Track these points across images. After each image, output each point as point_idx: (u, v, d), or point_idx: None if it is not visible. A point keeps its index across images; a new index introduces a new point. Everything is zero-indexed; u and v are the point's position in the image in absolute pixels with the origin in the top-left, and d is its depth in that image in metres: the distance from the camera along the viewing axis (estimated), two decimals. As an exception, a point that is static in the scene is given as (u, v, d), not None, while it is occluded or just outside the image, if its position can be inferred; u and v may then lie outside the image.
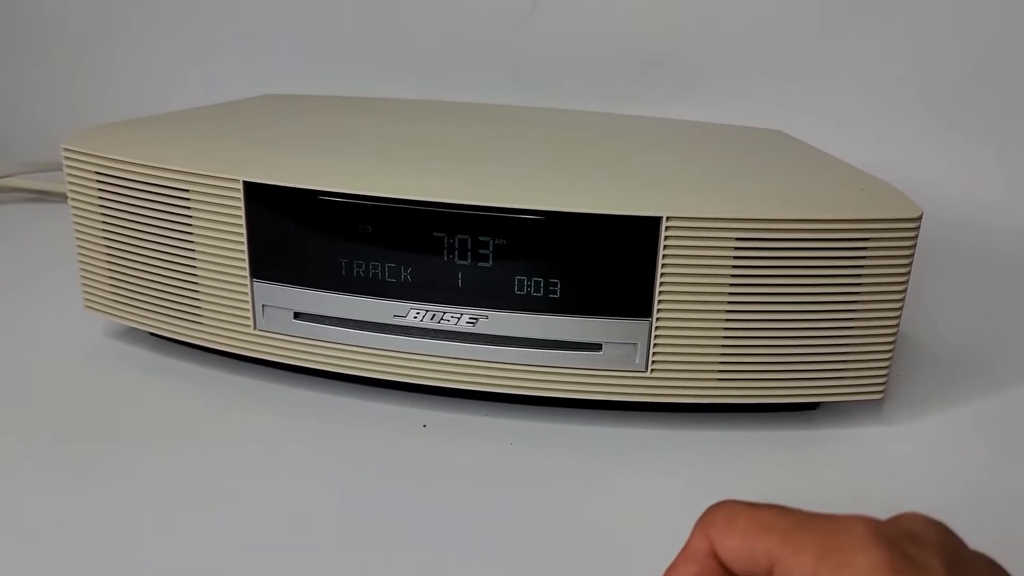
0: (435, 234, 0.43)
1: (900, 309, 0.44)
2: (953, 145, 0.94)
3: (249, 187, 0.44)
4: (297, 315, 0.46)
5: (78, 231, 0.50)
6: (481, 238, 0.43)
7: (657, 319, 0.43)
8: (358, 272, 0.44)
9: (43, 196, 0.84)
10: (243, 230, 0.45)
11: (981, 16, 0.92)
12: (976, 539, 0.39)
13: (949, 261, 0.78)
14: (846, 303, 0.43)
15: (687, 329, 0.43)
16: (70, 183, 0.49)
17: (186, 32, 1.10)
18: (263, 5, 1.07)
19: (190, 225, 0.46)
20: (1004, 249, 0.81)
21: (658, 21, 0.98)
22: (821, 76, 0.96)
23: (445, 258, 0.43)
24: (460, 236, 0.43)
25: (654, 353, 0.44)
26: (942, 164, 0.93)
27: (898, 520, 0.22)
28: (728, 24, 0.97)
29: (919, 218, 0.43)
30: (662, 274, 0.42)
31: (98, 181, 0.48)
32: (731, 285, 0.42)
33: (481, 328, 0.44)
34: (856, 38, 0.95)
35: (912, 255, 0.43)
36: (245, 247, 0.45)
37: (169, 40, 1.10)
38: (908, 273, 0.43)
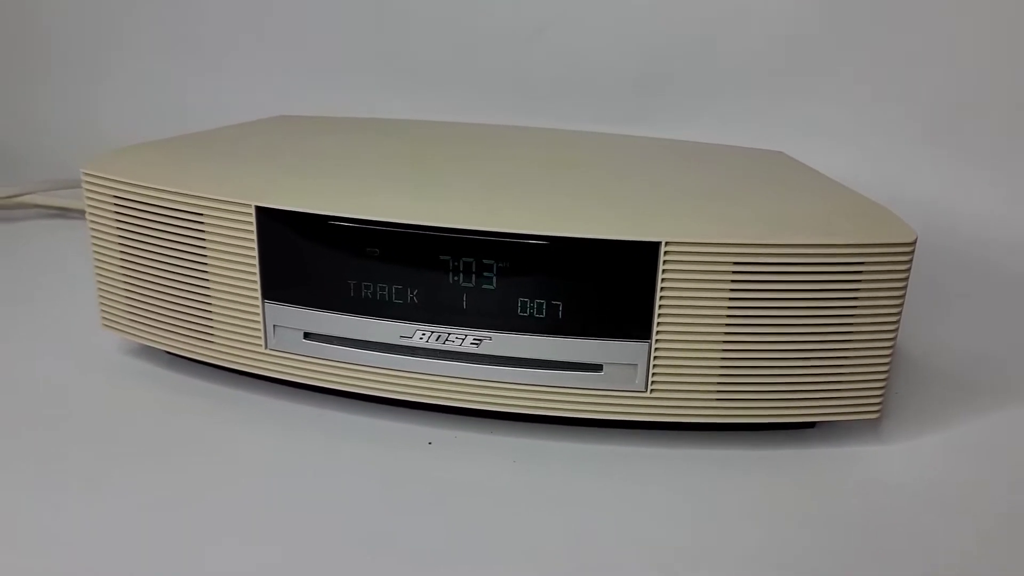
0: (441, 257, 0.44)
1: (895, 330, 0.45)
2: (955, 162, 0.94)
3: (261, 211, 0.45)
4: (307, 335, 0.47)
5: (96, 251, 0.51)
6: (485, 261, 0.44)
7: (656, 341, 0.44)
8: (366, 294, 0.46)
9: (63, 212, 0.86)
10: (255, 253, 0.46)
11: (983, 35, 0.92)
12: (973, 561, 0.40)
13: (953, 278, 0.78)
14: (842, 325, 0.44)
15: (686, 350, 0.44)
16: (89, 205, 0.51)
17: (205, 52, 1.12)
18: (282, 25, 1.09)
19: (204, 247, 0.47)
20: (1008, 266, 0.82)
21: (664, 40, 1.00)
22: (824, 96, 0.97)
23: (450, 280, 0.44)
24: (465, 259, 0.44)
25: (654, 374, 0.45)
26: (944, 181, 0.94)
27: None
28: (733, 44, 0.98)
29: (914, 242, 0.43)
30: (661, 297, 0.43)
31: (116, 204, 0.50)
32: (729, 307, 0.43)
33: (485, 349, 0.45)
34: (860, 58, 0.96)
35: (907, 278, 0.44)
36: (257, 269, 0.46)
37: (188, 60, 1.13)
38: (903, 295, 0.44)
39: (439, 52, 1.05)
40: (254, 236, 0.46)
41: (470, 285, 0.44)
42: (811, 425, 0.49)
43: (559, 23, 1.01)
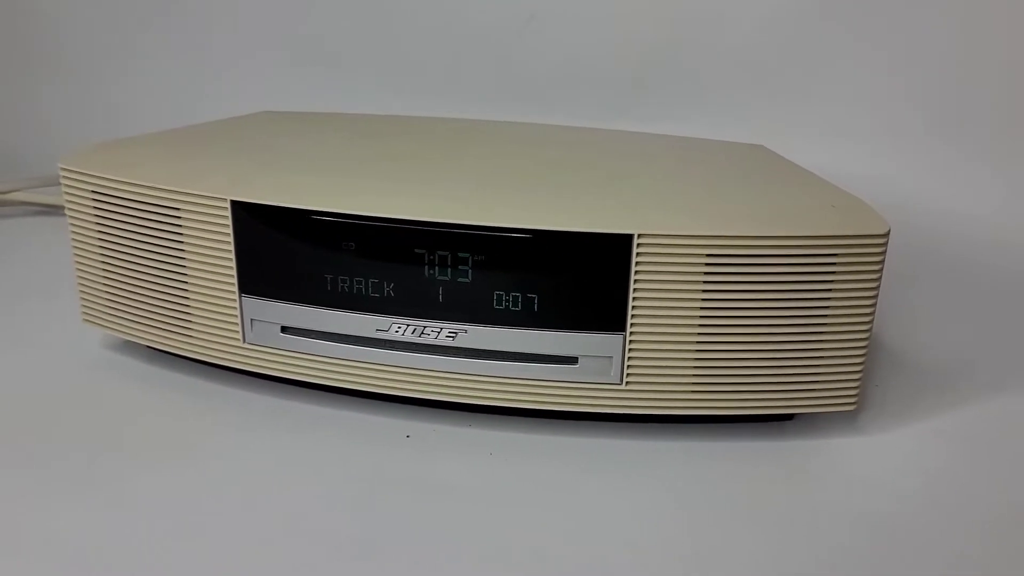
0: (416, 251, 0.44)
1: (870, 322, 0.45)
2: (946, 157, 0.95)
3: (236, 206, 0.45)
4: (284, 329, 0.47)
5: (76, 246, 0.52)
6: (460, 254, 0.44)
7: (631, 333, 0.44)
8: (342, 287, 0.46)
9: (50, 209, 0.86)
10: (231, 247, 0.46)
11: (977, 29, 0.92)
12: (954, 552, 0.40)
13: (938, 272, 0.78)
14: (816, 316, 0.44)
15: (661, 342, 0.44)
16: (68, 200, 0.51)
17: (194, 48, 1.12)
18: (270, 22, 1.09)
19: (181, 242, 0.47)
20: (994, 261, 0.82)
21: (654, 33, 1.00)
22: (815, 90, 0.97)
23: (426, 274, 0.45)
24: (440, 253, 0.44)
25: (629, 366, 0.45)
26: (934, 175, 0.94)
27: None
28: (724, 37, 0.98)
29: (886, 234, 0.44)
30: (635, 289, 0.43)
31: (94, 198, 0.50)
32: (703, 300, 0.44)
33: (461, 342, 0.45)
34: (852, 52, 0.96)
35: (880, 269, 0.44)
36: (233, 264, 0.46)
37: (176, 56, 1.13)
38: (877, 287, 0.44)
39: (431, 47, 1.05)
40: (230, 230, 0.46)
41: (446, 278, 0.44)
42: (789, 417, 0.50)
43: (547, 17, 1.01)
